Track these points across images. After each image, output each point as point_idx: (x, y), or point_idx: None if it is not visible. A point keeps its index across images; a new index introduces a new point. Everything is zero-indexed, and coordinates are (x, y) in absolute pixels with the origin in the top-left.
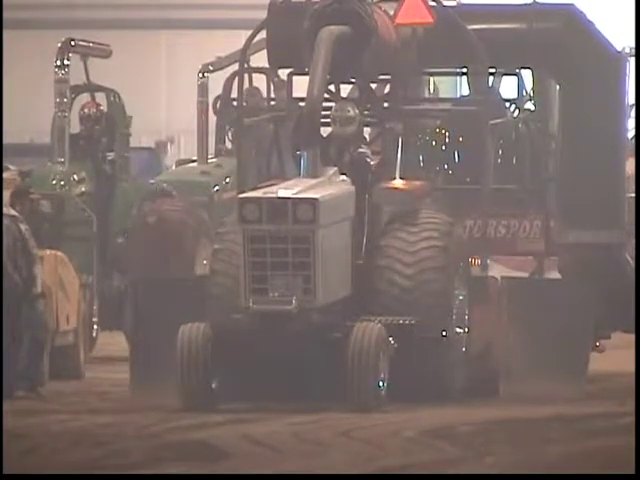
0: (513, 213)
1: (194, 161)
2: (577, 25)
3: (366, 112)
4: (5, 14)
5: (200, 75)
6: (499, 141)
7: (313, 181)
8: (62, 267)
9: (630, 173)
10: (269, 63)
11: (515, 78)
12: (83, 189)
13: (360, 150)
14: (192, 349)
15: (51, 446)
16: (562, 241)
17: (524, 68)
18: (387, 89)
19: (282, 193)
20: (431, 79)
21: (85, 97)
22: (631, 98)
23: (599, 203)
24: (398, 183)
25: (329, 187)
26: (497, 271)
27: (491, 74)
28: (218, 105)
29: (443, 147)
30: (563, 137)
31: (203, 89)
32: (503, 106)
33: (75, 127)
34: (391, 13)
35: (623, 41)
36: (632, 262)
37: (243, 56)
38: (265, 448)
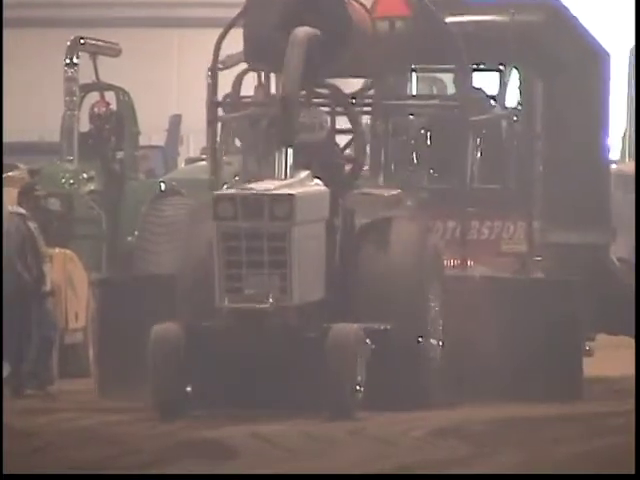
0: (496, 214)
1: (204, 159)
2: (560, 19)
3: (339, 113)
4: (16, 12)
5: (209, 73)
6: (480, 139)
7: (288, 180)
8: (71, 265)
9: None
10: (245, 59)
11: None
12: (92, 187)
13: (332, 158)
14: (165, 350)
15: (60, 445)
16: (546, 242)
17: (505, 64)
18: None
19: (257, 189)
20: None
21: (95, 96)
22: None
23: (584, 203)
24: (372, 189)
25: (303, 186)
26: (480, 273)
27: (473, 70)
28: None
29: (427, 146)
30: (546, 135)
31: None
32: (484, 103)
33: (85, 126)
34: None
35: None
36: (617, 263)
37: (216, 52)
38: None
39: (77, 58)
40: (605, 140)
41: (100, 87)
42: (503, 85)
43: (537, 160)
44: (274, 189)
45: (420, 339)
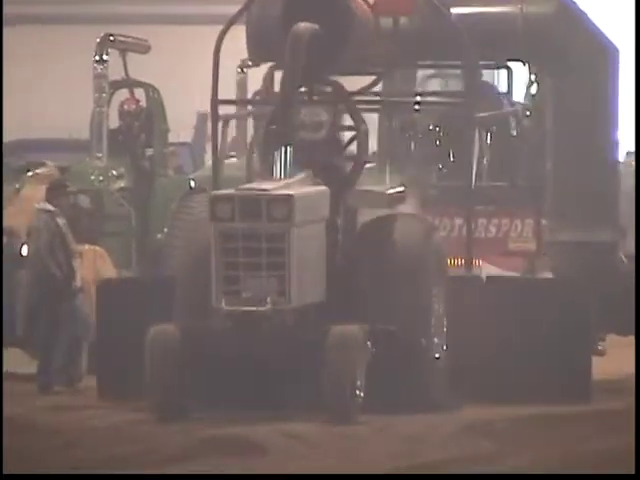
0: (504, 211)
1: (233, 157)
2: (569, 13)
3: (340, 110)
4: (44, 9)
5: (239, 70)
6: (490, 136)
7: (287, 180)
8: (101, 262)
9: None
10: (248, 55)
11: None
12: (122, 184)
13: (333, 156)
14: (162, 352)
15: (88, 442)
16: (554, 240)
17: (513, 60)
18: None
19: (255, 190)
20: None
21: (124, 93)
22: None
23: (592, 200)
24: (374, 187)
25: (303, 186)
26: (490, 272)
27: (482, 67)
28: None
29: (437, 143)
30: (555, 132)
31: (242, 85)
32: (493, 99)
33: (114, 122)
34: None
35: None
36: (626, 261)
37: (217, 48)
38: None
39: (106, 55)
40: (615, 137)
41: (129, 84)
42: (511, 81)
43: (546, 157)
44: (272, 189)
45: (423, 340)
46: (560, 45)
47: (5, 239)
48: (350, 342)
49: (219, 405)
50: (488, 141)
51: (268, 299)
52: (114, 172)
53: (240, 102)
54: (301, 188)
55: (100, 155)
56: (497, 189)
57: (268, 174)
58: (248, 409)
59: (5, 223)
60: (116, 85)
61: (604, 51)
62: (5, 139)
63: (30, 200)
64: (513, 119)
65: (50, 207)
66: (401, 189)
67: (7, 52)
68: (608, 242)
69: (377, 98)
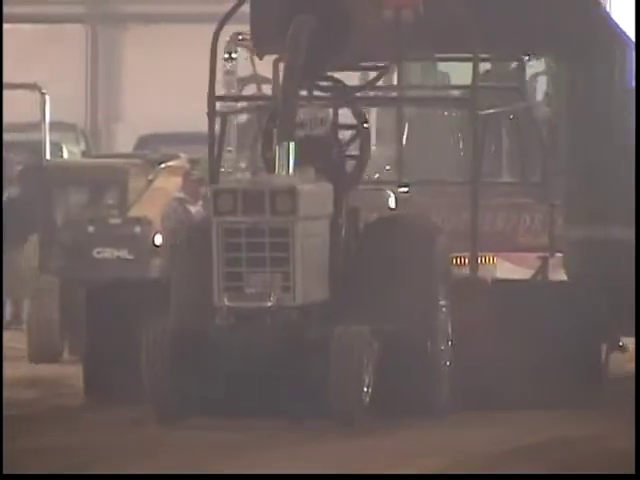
0: (513, 204)
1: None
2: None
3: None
4: (170, 8)
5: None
6: (495, 131)
7: (290, 175)
8: None
9: None
10: (254, 48)
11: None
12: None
13: (334, 154)
14: (158, 352)
15: None
16: (568, 236)
17: (526, 52)
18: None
19: (259, 182)
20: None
21: (252, 88)
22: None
23: (610, 194)
24: (378, 186)
25: (307, 181)
26: (506, 270)
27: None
28: None
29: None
30: (570, 122)
31: None
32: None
33: (243, 117)
34: None
35: None
36: None
37: (214, 44)
38: None
39: (235, 52)
40: (633, 126)
41: (257, 80)
42: (523, 74)
43: (559, 150)
44: (276, 182)
45: (428, 342)
46: (576, 33)
47: (138, 229)
48: (356, 342)
49: (222, 405)
50: (503, 135)
51: (272, 295)
52: (242, 165)
53: (238, 98)
54: (305, 183)
55: (230, 148)
56: (509, 185)
57: (270, 169)
58: (250, 410)
59: (139, 213)
60: (244, 81)
61: (620, 41)
62: (141, 133)
63: (162, 191)
64: (525, 114)
65: (180, 194)
66: (405, 189)
67: (137, 50)
68: (625, 240)
69: (379, 94)
